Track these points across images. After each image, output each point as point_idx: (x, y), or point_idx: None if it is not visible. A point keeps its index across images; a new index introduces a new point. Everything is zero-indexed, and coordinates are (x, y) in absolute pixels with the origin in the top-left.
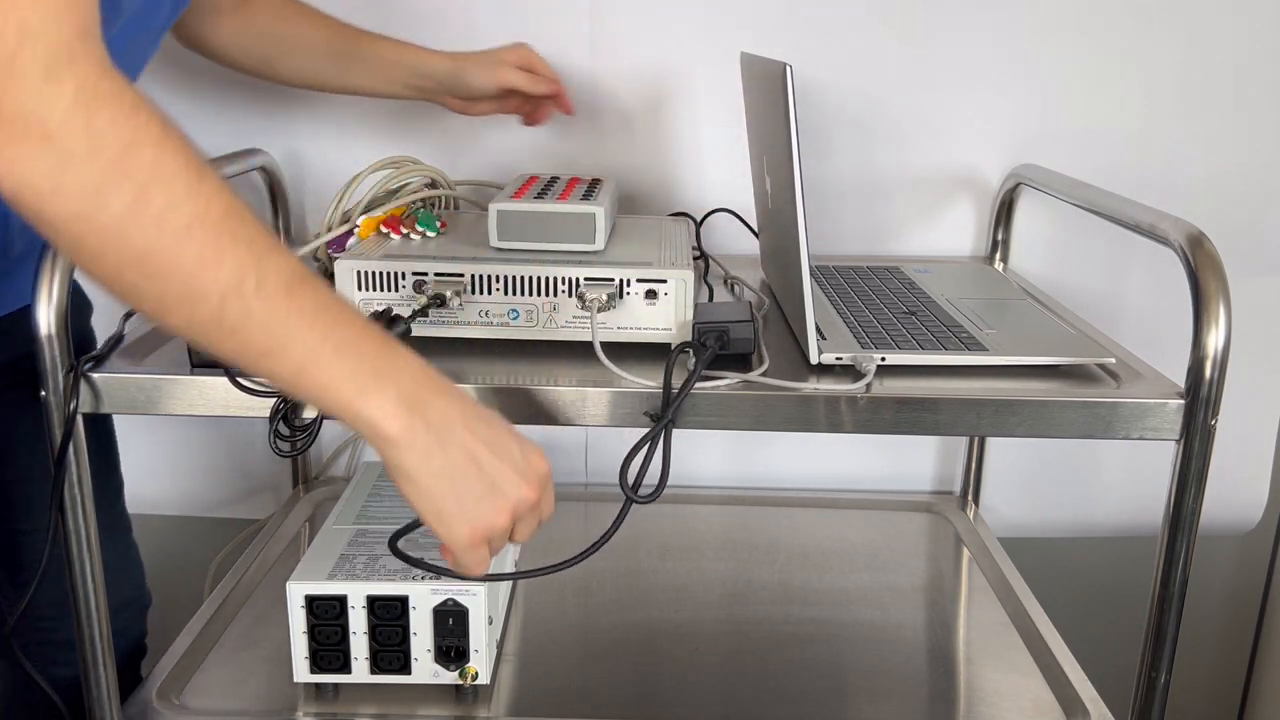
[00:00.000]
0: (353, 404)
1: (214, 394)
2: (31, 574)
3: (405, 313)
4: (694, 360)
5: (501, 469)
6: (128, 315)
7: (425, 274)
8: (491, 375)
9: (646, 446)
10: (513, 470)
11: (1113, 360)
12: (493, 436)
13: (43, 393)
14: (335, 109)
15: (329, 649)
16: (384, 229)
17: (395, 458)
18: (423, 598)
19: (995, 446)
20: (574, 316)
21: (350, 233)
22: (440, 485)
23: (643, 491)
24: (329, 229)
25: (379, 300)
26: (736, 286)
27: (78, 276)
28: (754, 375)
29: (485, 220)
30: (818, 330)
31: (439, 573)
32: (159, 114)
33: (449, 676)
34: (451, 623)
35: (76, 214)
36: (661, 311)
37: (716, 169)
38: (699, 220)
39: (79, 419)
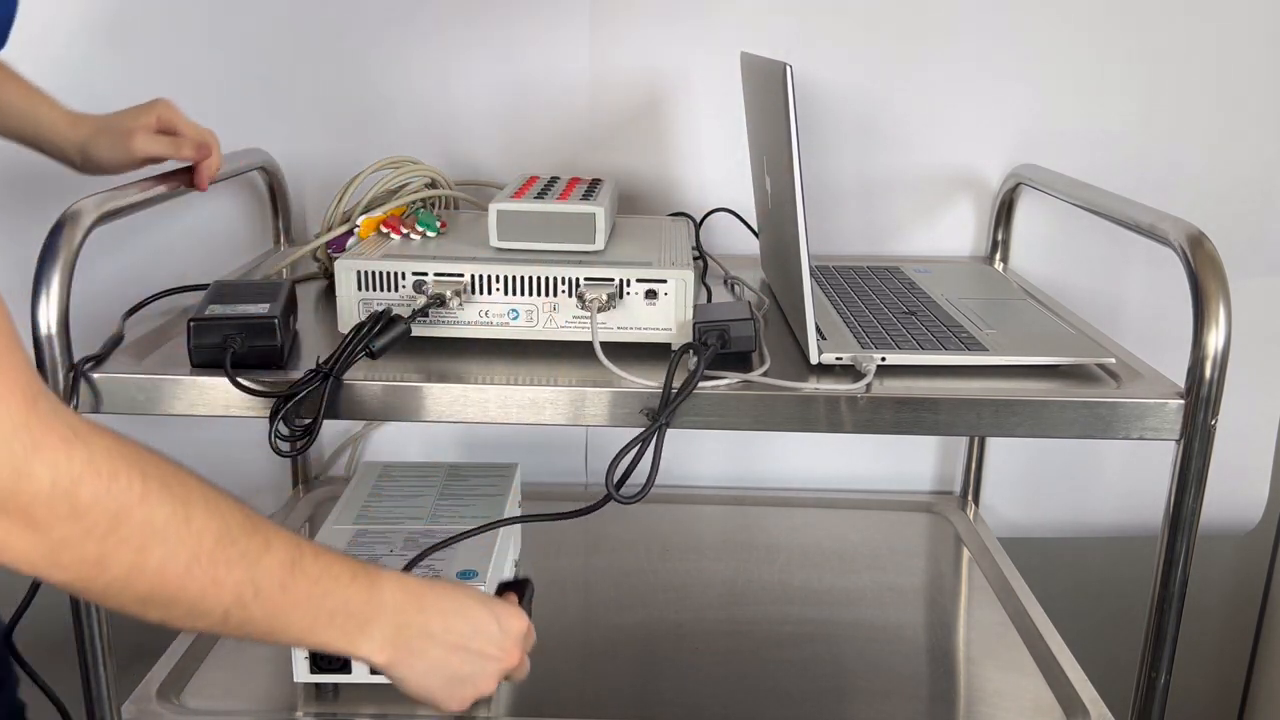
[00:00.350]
0: (347, 651)
1: (214, 394)
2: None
3: (405, 313)
4: (695, 360)
5: (482, 650)
6: (127, 315)
7: (425, 274)
8: (491, 375)
9: (637, 448)
10: (492, 647)
11: (1113, 360)
12: (469, 626)
13: None
14: (335, 109)
15: None
16: (384, 229)
17: (387, 673)
18: None
19: (995, 446)
20: (574, 316)
21: (350, 233)
22: (428, 681)
23: (632, 492)
24: (329, 229)
25: (379, 300)
26: (736, 286)
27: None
28: (754, 375)
29: (485, 220)
30: (818, 330)
31: None
32: (134, 457)
33: None
34: None
35: (79, 578)
36: (661, 311)
37: (716, 169)
38: (699, 220)
39: None
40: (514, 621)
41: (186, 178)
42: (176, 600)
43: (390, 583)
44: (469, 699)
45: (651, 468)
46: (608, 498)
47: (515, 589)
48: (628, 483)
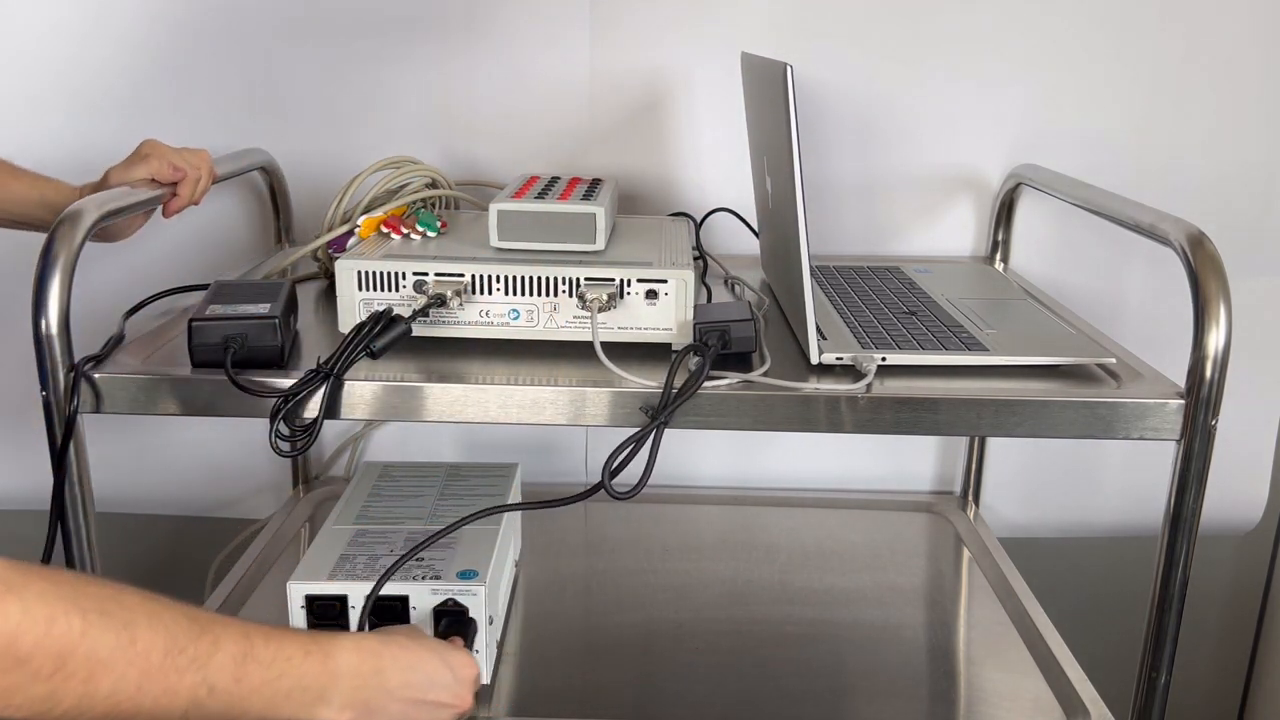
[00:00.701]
0: (306, 719)
1: (214, 394)
2: None
3: (405, 313)
4: (698, 361)
5: (438, 700)
6: (127, 315)
7: (425, 274)
8: (491, 375)
9: (633, 445)
10: (446, 695)
11: (1113, 360)
12: (425, 680)
13: (43, 393)
14: (335, 109)
15: None
16: (384, 229)
17: None
18: (423, 598)
19: (995, 446)
20: (574, 316)
21: (350, 233)
22: None
23: (625, 490)
24: (329, 229)
25: (379, 300)
26: (737, 286)
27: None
28: (754, 375)
29: (485, 220)
30: (818, 330)
31: None
32: (69, 595)
33: None
34: (452, 623)
35: (33, 714)
36: (662, 311)
37: (716, 169)
38: (699, 220)
39: (79, 419)
40: (466, 670)
41: (179, 198)
42: (135, 716)
43: (345, 650)
44: None
45: (646, 465)
46: (599, 486)
47: (458, 628)
48: (624, 481)
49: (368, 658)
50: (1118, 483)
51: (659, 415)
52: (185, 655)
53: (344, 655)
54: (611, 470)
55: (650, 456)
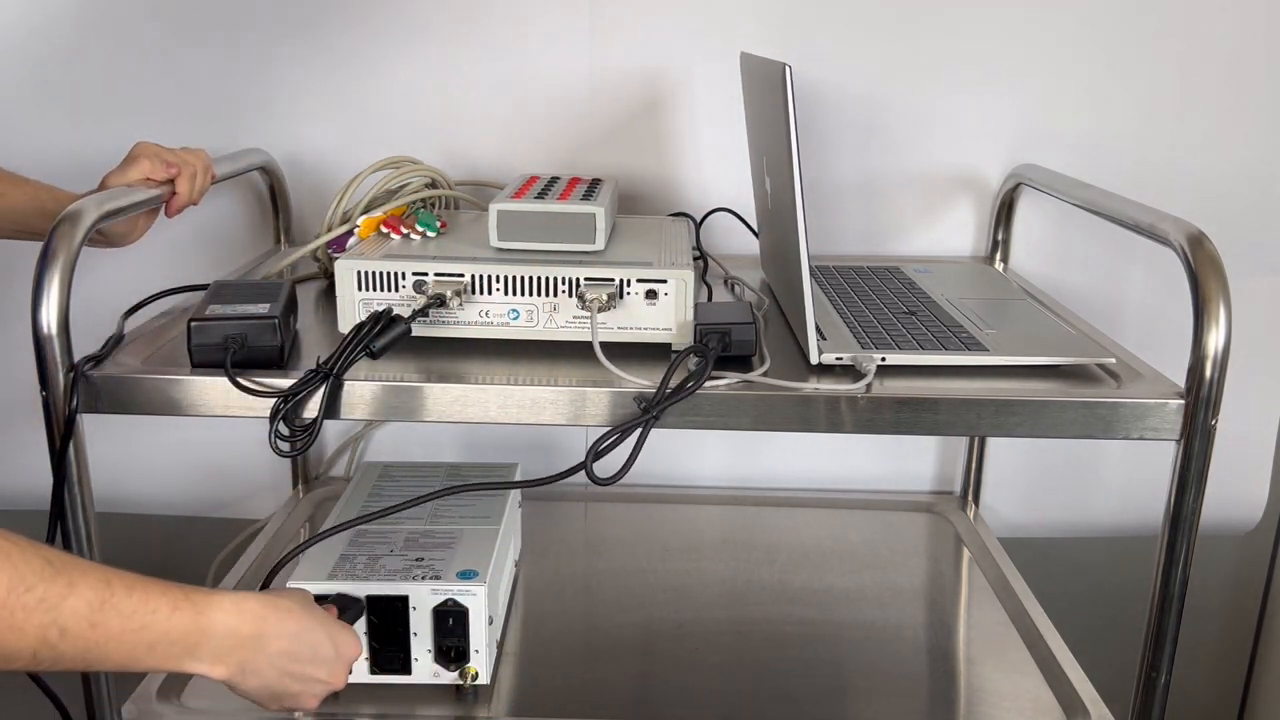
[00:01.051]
0: (177, 669)
1: (214, 394)
2: None
3: (405, 313)
4: (698, 363)
5: (314, 675)
6: (127, 315)
7: (425, 274)
8: (491, 375)
9: (620, 434)
10: (323, 671)
11: (1113, 360)
12: (307, 651)
13: (43, 392)
14: (335, 109)
15: None
16: (384, 229)
17: (224, 683)
18: (423, 598)
19: (995, 446)
20: (574, 316)
21: (350, 233)
22: (259, 693)
23: (609, 477)
24: (329, 229)
25: (379, 300)
26: (736, 286)
27: None
28: (754, 375)
29: (485, 220)
30: (818, 330)
31: None
32: None
33: (449, 676)
34: (451, 623)
35: None
36: (661, 311)
37: (716, 169)
38: (699, 220)
39: (79, 419)
40: (349, 649)
41: (178, 198)
42: None
43: (221, 609)
44: (289, 709)
45: (630, 456)
46: (581, 466)
47: (341, 603)
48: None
49: (248, 619)
50: (1118, 483)
51: (651, 409)
52: (33, 594)
53: (219, 615)
54: (597, 452)
55: (635, 448)
